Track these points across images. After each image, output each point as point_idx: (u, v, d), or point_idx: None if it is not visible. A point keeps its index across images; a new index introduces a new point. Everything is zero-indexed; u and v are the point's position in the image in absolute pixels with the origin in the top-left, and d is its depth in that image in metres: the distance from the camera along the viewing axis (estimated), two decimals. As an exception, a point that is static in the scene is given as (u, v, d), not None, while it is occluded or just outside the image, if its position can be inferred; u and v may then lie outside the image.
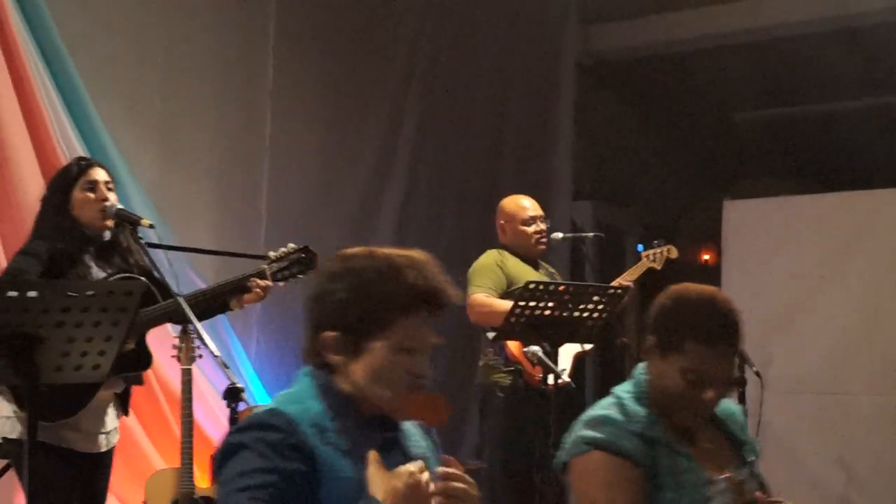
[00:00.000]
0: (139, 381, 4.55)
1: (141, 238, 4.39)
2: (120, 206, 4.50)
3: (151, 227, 4.40)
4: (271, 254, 4.82)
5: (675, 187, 11.44)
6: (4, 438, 4.40)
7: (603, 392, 10.47)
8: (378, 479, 2.38)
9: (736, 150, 11.41)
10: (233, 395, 3.87)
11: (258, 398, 7.99)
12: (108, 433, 4.56)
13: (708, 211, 10.92)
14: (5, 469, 5.40)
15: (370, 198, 9.24)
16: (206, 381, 6.88)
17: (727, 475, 3.08)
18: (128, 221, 4.45)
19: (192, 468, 5.32)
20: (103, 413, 4.52)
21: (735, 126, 11.48)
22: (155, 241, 4.78)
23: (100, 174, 4.56)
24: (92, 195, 4.49)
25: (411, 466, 2.38)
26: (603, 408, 3.21)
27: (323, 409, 2.51)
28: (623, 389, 3.25)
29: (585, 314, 5.62)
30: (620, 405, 3.19)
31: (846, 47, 9.69)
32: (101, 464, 4.56)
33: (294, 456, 2.42)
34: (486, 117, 10.15)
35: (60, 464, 4.29)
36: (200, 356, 5.38)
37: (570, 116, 10.43)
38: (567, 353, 6.06)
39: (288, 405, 2.51)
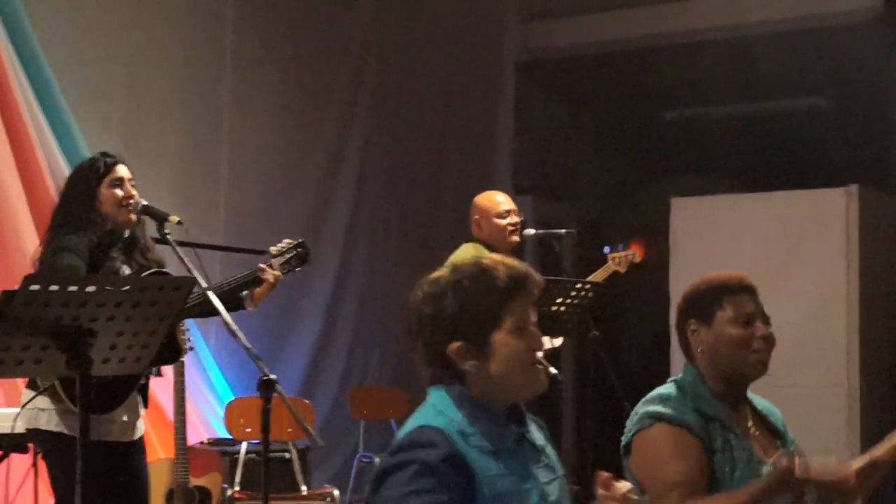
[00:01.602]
0: (159, 373, 4.62)
1: (167, 233, 4.43)
2: (145, 203, 4.56)
3: (180, 223, 4.46)
4: (272, 249, 4.94)
5: (610, 183, 11.63)
6: (37, 429, 4.43)
7: (578, 384, 10.62)
8: None
9: (668, 148, 11.62)
10: (266, 386, 3.93)
11: (220, 390, 8.05)
12: (138, 420, 4.64)
13: (637, 206, 11.16)
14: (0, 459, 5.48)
15: (324, 193, 9.39)
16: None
17: (781, 453, 3.30)
18: (154, 217, 4.51)
19: (186, 458, 5.39)
20: (135, 402, 4.59)
21: (666, 124, 11.70)
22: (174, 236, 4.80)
23: (125, 171, 4.62)
24: (119, 192, 4.55)
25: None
26: (663, 388, 3.45)
27: (462, 416, 2.67)
28: (678, 378, 3.44)
29: (561, 308, 5.77)
30: (679, 386, 3.43)
31: (775, 48, 9.94)
32: (137, 451, 4.65)
33: (451, 470, 2.56)
34: (432, 115, 10.35)
35: (95, 456, 4.30)
36: (192, 348, 5.41)
37: (511, 114, 10.59)
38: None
39: (433, 418, 2.66)
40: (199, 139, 8.31)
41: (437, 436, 2.60)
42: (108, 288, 3.42)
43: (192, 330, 7.52)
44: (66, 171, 6.79)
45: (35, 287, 3.27)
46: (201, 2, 8.42)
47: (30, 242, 6.67)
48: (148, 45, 7.88)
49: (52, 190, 6.82)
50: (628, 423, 3.41)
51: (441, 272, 2.80)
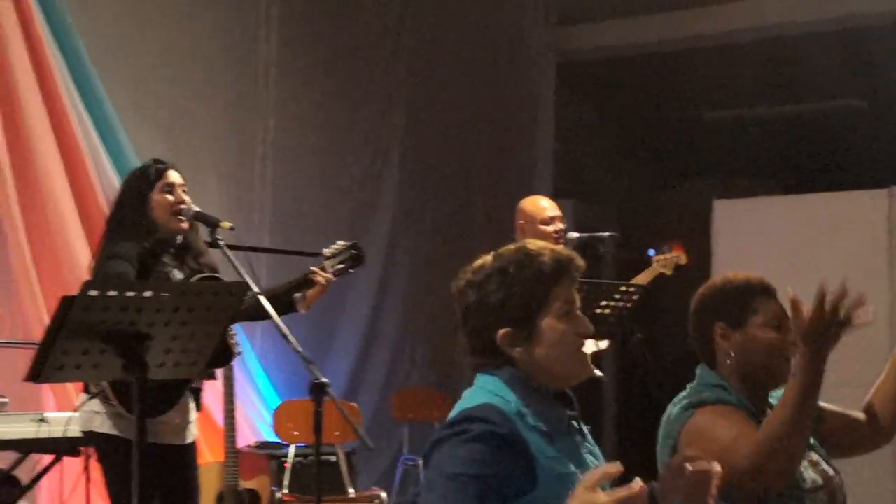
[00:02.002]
0: (213, 376, 4.68)
1: (219, 239, 4.50)
2: (197, 209, 4.62)
3: (231, 228, 4.52)
4: (325, 251, 4.97)
5: (649, 186, 11.64)
6: (92, 432, 4.50)
7: (620, 387, 10.62)
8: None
9: (706, 151, 11.63)
10: (318, 390, 3.98)
11: (265, 394, 8.12)
12: (191, 424, 4.71)
13: (677, 209, 11.16)
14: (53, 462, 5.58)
15: (367, 196, 9.50)
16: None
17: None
18: (206, 223, 4.57)
19: (236, 461, 5.46)
20: (187, 405, 4.65)
21: (705, 126, 11.71)
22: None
23: (176, 177, 4.68)
24: (170, 197, 4.62)
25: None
26: (691, 387, 3.43)
27: (517, 399, 2.68)
28: (698, 383, 3.44)
29: (605, 311, 5.80)
30: (705, 383, 3.40)
31: (813, 50, 9.94)
32: (189, 455, 4.72)
33: (505, 447, 2.57)
34: (470, 118, 10.36)
35: (149, 458, 4.36)
36: (240, 352, 5.48)
37: (551, 117, 10.63)
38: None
39: (491, 399, 2.66)
40: (242, 145, 8.43)
41: (495, 414, 2.60)
42: (164, 293, 3.51)
43: (238, 334, 7.66)
44: (112, 177, 6.93)
45: (94, 293, 3.35)
46: (242, 6, 8.51)
47: (80, 250, 6.79)
48: (189, 50, 8.00)
49: (101, 197, 6.94)
50: (663, 430, 3.36)
51: (484, 259, 2.81)
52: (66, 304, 3.34)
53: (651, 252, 7.11)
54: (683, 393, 3.43)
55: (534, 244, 2.81)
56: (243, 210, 8.14)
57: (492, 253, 2.84)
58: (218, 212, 4.75)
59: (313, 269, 4.86)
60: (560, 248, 2.84)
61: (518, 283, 2.72)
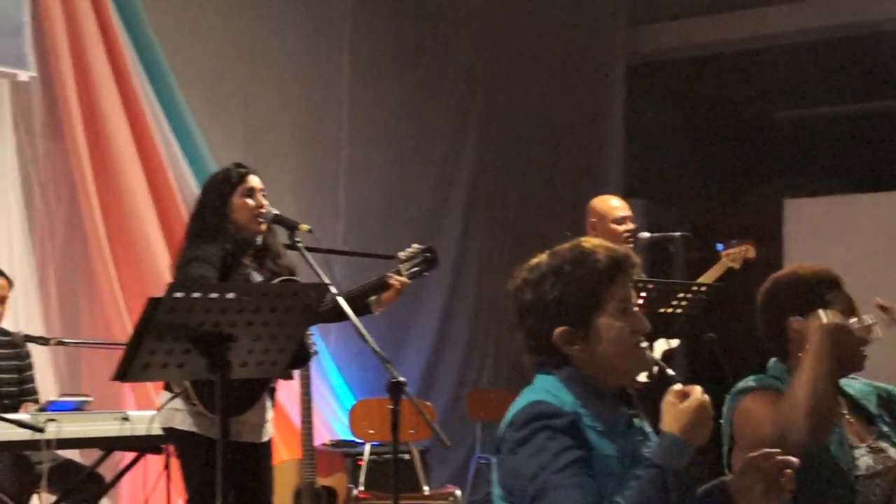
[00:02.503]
0: (290, 376, 4.76)
1: (298, 241, 4.57)
2: (276, 212, 4.71)
3: (310, 231, 4.59)
4: (400, 254, 5.02)
5: (720, 185, 11.60)
6: (173, 429, 4.60)
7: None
8: (668, 411, 2.64)
9: (778, 149, 11.56)
10: (395, 389, 4.05)
11: (340, 393, 8.22)
12: (268, 423, 4.79)
13: (748, 208, 11.10)
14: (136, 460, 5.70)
15: (440, 196, 9.57)
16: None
17: (868, 442, 3.33)
18: (285, 226, 4.65)
19: (313, 459, 5.53)
20: (264, 405, 4.74)
21: (776, 125, 11.65)
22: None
23: (256, 181, 4.76)
24: (251, 201, 4.69)
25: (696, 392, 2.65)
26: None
27: (573, 398, 2.70)
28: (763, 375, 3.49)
29: (677, 311, 5.81)
30: (765, 374, 3.46)
31: (887, 47, 9.87)
32: (265, 453, 4.79)
33: (577, 435, 2.62)
34: (543, 119, 10.41)
35: (226, 455, 4.43)
36: (317, 352, 5.54)
37: (621, 117, 10.65)
38: (656, 351, 6.24)
39: (548, 398, 2.69)
40: (317, 147, 8.56)
41: (557, 409, 2.63)
42: (246, 295, 3.60)
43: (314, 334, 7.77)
44: (191, 180, 7.06)
45: (179, 294, 3.45)
46: (319, 11, 8.63)
47: (160, 253, 6.93)
48: (266, 55, 8.14)
49: (180, 200, 7.07)
50: (724, 416, 3.40)
51: (540, 258, 2.81)
52: (153, 305, 3.44)
53: (719, 247, 7.05)
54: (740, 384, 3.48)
55: (589, 242, 2.80)
56: (317, 211, 8.23)
57: (547, 251, 2.85)
58: (293, 214, 4.82)
59: (389, 273, 4.90)
60: (615, 245, 2.83)
61: (574, 282, 2.72)
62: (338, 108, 8.70)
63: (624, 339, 2.72)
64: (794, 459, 2.67)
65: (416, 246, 5.07)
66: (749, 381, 3.41)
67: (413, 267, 5.00)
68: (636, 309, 2.76)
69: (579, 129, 10.65)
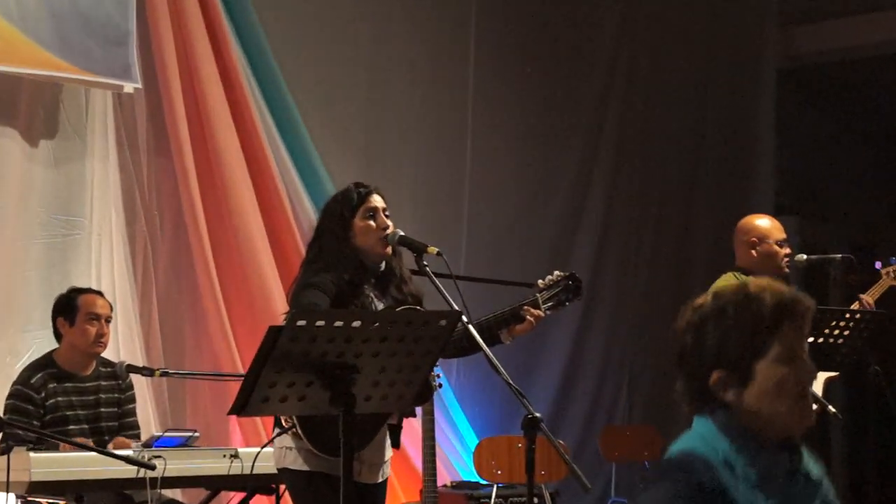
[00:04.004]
0: (413, 413, 4.83)
1: (426, 265, 4.65)
2: (402, 233, 4.78)
3: (439, 254, 4.63)
4: (539, 282, 5.03)
5: (883, 201, 11.50)
6: (286, 469, 4.71)
7: (851, 423, 10.48)
8: None
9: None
10: (531, 425, 4.12)
11: (463, 430, 8.31)
12: (385, 463, 4.88)
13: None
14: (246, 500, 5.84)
15: (569, 219, 9.63)
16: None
17: None
18: (412, 249, 4.71)
19: (437, 501, 5.60)
20: (383, 443, 4.84)
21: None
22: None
23: (379, 201, 4.83)
24: (373, 223, 4.77)
25: None
26: None
27: (728, 446, 2.77)
28: None
29: (839, 340, 5.80)
30: None
31: None
32: (379, 494, 4.87)
33: (706, 500, 2.69)
34: (684, 129, 10.43)
35: (338, 494, 4.51)
36: (441, 385, 5.60)
37: (772, 125, 10.62)
38: (817, 384, 6.23)
39: (699, 446, 2.78)
40: (440, 165, 8.71)
41: (699, 463, 2.71)
42: (373, 322, 3.69)
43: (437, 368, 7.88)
44: (307, 203, 7.21)
45: (302, 322, 3.54)
46: (443, 21, 8.83)
47: (272, 282, 7.08)
48: (386, 70, 8.34)
49: (294, 225, 7.22)
50: None
51: (703, 298, 2.87)
52: (273, 334, 3.53)
53: (878, 265, 7.02)
54: None
55: (756, 284, 2.84)
56: (437, 233, 8.35)
57: (711, 291, 2.92)
58: (415, 235, 4.85)
59: (526, 306, 4.93)
60: (784, 288, 2.83)
61: (735, 326, 2.78)
62: (463, 127, 8.88)
63: (785, 389, 2.76)
64: None
65: (556, 273, 5.07)
66: None
67: (552, 297, 5.04)
68: (804, 358, 2.78)
69: (724, 140, 10.64)
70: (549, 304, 4.99)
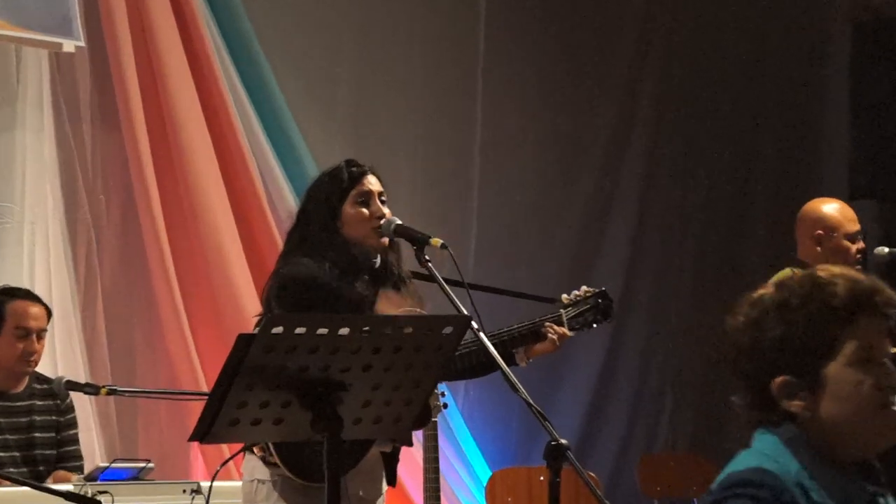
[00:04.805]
0: (409, 442, 4.78)
1: (429, 261, 4.60)
2: (399, 222, 4.73)
3: (444, 247, 4.59)
4: (564, 297, 5.05)
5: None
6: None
7: None
8: None
9: None
10: (555, 453, 4.09)
11: (472, 459, 8.29)
12: (381, 498, 4.87)
13: None
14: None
15: (596, 215, 9.64)
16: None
17: None
18: (411, 240, 4.66)
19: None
20: (377, 476, 4.81)
21: None
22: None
23: (374, 184, 4.80)
24: (366, 210, 4.74)
25: None
26: None
27: (799, 466, 2.74)
28: None
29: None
30: None
31: None
32: None
33: None
34: (736, 98, 10.36)
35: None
36: (446, 405, 5.57)
37: (846, 92, 10.57)
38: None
39: (767, 463, 2.74)
40: (443, 139, 8.67)
41: (773, 480, 2.68)
42: (364, 329, 3.63)
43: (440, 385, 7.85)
44: (283, 184, 7.17)
45: (278, 329, 3.48)
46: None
47: (242, 281, 7.04)
48: (380, 23, 8.31)
49: (268, 210, 7.18)
50: None
51: (764, 290, 2.87)
52: (243, 343, 3.46)
53: None
54: None
55: (826, 270, 2.84)
56: (440, 223, 8.32)
57: (773, 282, 2.91)
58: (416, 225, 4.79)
59: (548, 323, 4.90)
60: (860, 276, 2.84)
61: (801, 320, 2.77)
62: (471, 108, 8.86)
63: (863, 396, 2.75)
64: None
65: (584, 289, 5.10)
66: None
67: (578, 316, 5.02)
68: (885, 360, 2.78)
69: (787, 109, 10.59)
70: (576, 322, 4.98)
